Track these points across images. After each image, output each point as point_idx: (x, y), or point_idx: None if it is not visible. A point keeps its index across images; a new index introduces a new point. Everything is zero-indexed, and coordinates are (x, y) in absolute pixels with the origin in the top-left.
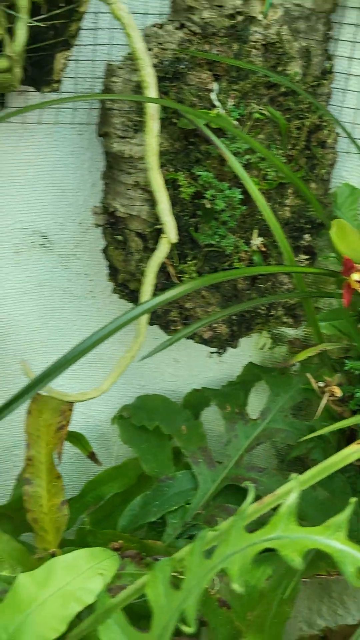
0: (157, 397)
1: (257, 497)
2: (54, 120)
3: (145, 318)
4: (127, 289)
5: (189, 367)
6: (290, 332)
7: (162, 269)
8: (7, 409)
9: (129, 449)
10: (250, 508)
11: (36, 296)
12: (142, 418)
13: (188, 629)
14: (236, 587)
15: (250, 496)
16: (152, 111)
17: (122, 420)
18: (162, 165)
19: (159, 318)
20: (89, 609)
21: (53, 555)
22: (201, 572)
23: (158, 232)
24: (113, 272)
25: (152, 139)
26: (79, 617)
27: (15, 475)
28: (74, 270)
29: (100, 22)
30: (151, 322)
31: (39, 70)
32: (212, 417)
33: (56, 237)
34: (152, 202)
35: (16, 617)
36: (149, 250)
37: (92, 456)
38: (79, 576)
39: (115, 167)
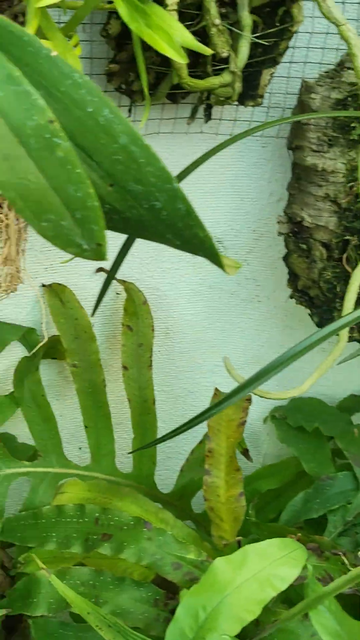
0: (312, 400)
1: None
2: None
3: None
4: (307, 296)
5: (345, 372)
6: None
7: (345, 278)
8: (217, 407)
9: (275, 448)
10: None
11: (206, 298)
12: (298, 419)
13: None
14: None
15: None
16: None
17: (277, 421)
18: (354, 180)
19: None
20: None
21: (239, 543)
22: None
23: (344, 243)
24: (293, 279)
25: None
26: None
27: (168, 465)
28: (243, 275)
29: (297, 41)
30: (321, 325)
31: (246, 85)
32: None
33: (230, 243)
34: (340, 213)
35: (214, 598)
36: (333, 259)
37: (245, 453)
38: (272, 563)
39: (305, 179)
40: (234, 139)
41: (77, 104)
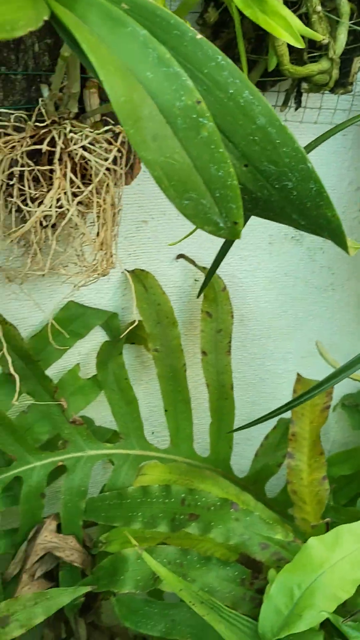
0: None
1: None
2: (329, 121)
3: None
4: None
5: None
6: None
7: None
8: (316, 390)
9: (343, 435)
10: None
11: (281, 285)
12: None
13: None
14: None
15: None
16: None
17: (347, 408)
18: None
19: None
20: None
21: (327, 525)
22: None
23: None
24: None
25: None
26: None
27: (237, 451)
28: (318, 263)
29: None
30: None
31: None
32: None
33: None
34: None
35: (308, 576)
36: None
37: None
38: None
39: None
40: (344, 124)
41: (220, 85)
